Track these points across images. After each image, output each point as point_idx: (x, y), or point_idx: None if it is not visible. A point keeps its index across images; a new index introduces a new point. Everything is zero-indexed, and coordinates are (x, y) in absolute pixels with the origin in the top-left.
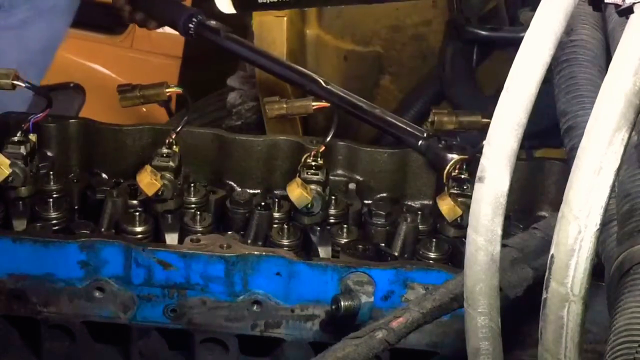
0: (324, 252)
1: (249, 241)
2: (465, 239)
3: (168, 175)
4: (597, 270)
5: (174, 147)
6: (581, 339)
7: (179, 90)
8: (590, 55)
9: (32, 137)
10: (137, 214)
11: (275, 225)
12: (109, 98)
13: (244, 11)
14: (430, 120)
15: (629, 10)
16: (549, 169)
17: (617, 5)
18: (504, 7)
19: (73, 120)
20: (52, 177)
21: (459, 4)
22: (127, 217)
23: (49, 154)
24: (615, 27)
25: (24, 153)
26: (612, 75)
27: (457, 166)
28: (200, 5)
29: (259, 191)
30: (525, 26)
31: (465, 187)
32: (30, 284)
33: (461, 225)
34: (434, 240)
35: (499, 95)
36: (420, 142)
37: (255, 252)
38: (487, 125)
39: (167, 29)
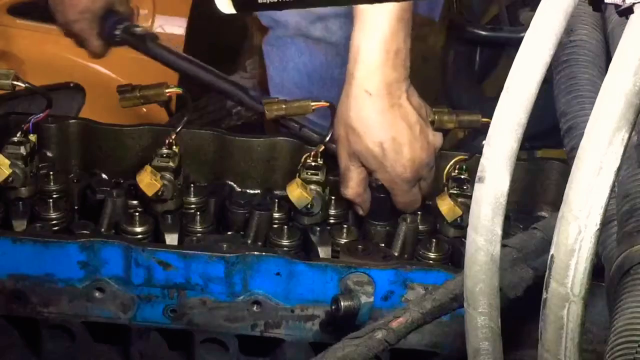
0: (324, 252)
1: (249, 241)
2: (465, 239)
3: (168, 175)
4: (597, 270)
5: (174, 147)
6: (581, 339)
7: (179, 90)
8: (590, 56)
9: (32, 137)
10: (137, 214)
11: (275, 226)
12: (109, 98)
13: (244, 11)
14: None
15: (629, 10)
16: (549, 169)
17: (617, 6)
18: (504, 8)
19: (73, 120)
20: (52, 177)
21: (459, 5)
22: (127, 217)
23: (49, 154)
24: (615, 27)
25: (24, 153)
26: (612, 75)
27: (457, 166)
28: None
29: (259, 191)
30: (525, 26)
31: (465, 187)
32: (30, 284)
33: (461, 225)
34: (434, 240)
35: (499, 96)
36: None
37: (255, 252)
38: (487, 124)
39: (168, 29)
